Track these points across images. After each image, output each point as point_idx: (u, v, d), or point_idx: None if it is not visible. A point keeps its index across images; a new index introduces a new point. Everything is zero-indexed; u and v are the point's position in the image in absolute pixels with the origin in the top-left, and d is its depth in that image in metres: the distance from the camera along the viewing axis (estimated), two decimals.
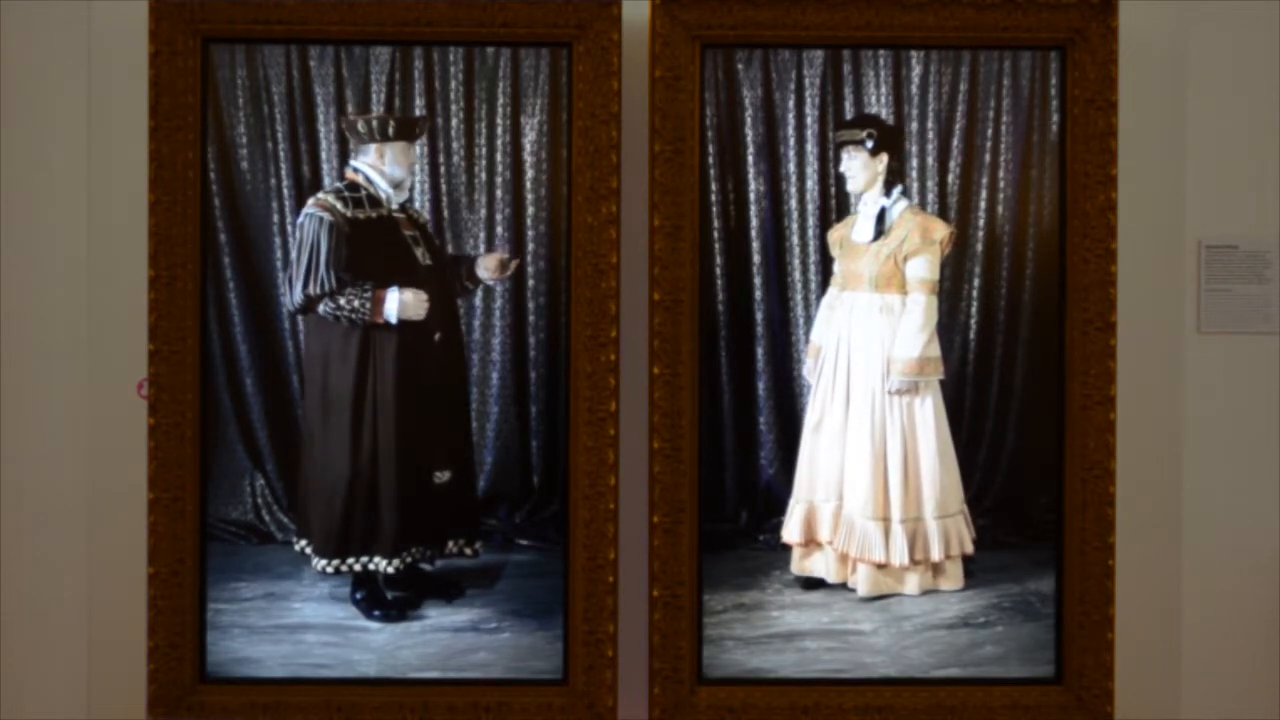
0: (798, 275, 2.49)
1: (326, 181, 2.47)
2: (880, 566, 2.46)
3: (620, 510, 2.43)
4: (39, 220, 2.55)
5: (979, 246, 2.48)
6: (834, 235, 2.48)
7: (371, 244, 2.46)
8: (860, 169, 2.46)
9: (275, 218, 2.47)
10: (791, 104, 2.47)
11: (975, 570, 2.48)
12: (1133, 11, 2.48)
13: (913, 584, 2.47)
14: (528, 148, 2.47)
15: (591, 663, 2.42)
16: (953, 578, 2.47)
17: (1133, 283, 2.49)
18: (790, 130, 2.48)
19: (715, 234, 2.47)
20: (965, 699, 2.43)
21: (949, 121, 2.48)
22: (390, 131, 2.44)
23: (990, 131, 2.48)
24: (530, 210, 2.47)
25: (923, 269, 2.45)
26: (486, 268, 2.45)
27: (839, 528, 2.47)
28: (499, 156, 2.48)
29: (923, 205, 2.48)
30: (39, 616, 2.55)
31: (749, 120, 2.48)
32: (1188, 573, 2.58)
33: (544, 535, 2.47)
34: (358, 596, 2.47)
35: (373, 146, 2.45)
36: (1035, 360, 2.47)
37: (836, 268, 2.48)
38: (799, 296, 2.49)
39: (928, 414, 2.46)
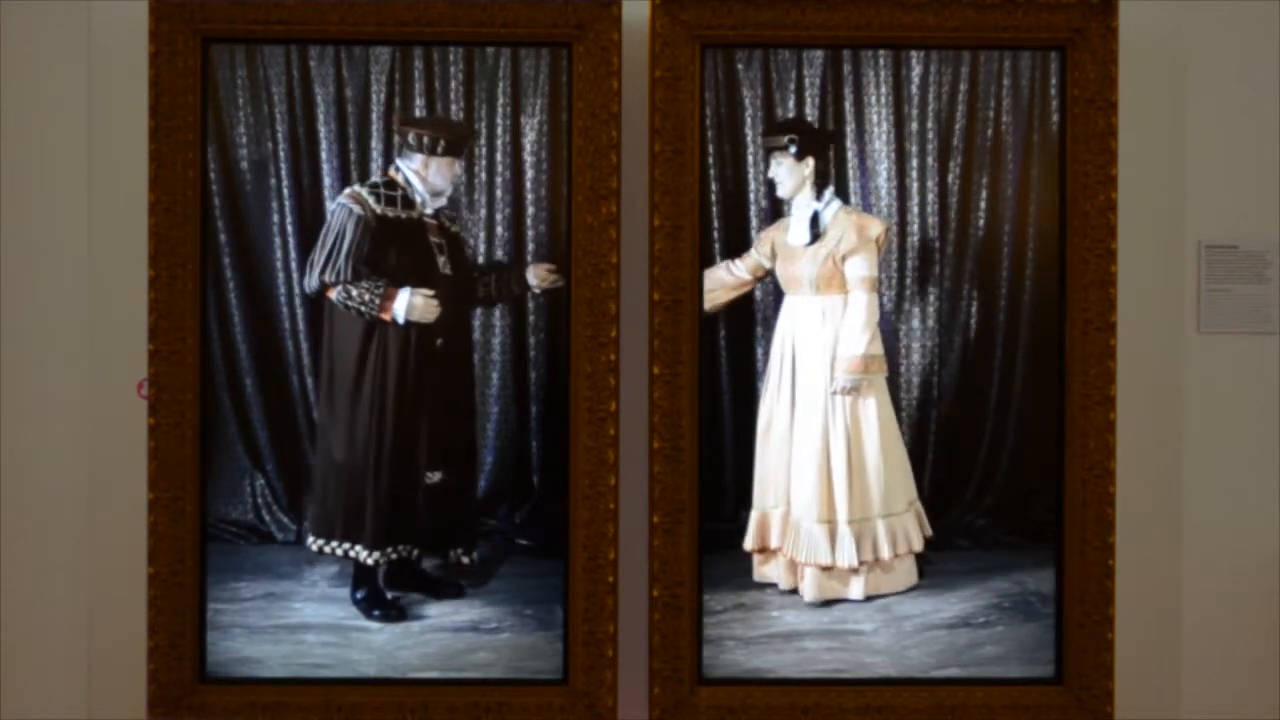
0: None
1: (327, 181, 2.47)
2: (826, 569, 2.46)
3: (620, 510, 2.43)
4: (39, 220, 2.55)
5: (979, 246, 2.48)
6: (765, 236, 2.47)
7: (395, 243, 2.47)
8: (787, 174, 2.46)
9: (275, 218, 2.47)
10: (792, 104, 2.48)
11: (931, 569, 2.48)
12: (1133, 11, 2.48)
13: (857, 588, 2.46)
14: (528, 148, 2.47)
15: (591, 663, 2.42)
16: (902, 577, 2.47)
17: (1133, 283, 2.49)
18: None
19: (715, 234, 2.47)
20: (965, 699, 2.43)
21: (949, 121, 2.48)
22: (439, 149, 2.45)
23: (990, 131, 2.48)
24: (530, 210, 2.47)
25: (862, 267, 2.45)
26: (537, 276, 2.45)
27: (787, 533, 2.47)
28: (499, 156, 2.48)
29: (923, 205, 2.48)
30: (39, 616, 2.55)
31: (749, 120, 2.48)
32: (1188, 573, 2.58)
33: (544, 535, 2.47)
34: (357, 596, 2.47)
35: (419, 156, 2.45)
36: (1035, 360, 2.47)
37: (777, 271, 2.47)
38: None
39: (871, 413, 2.46)
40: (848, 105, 2.47)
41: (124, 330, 2.50)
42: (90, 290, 2.54)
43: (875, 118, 2.48)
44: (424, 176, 2.46)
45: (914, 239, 2.48)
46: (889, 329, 2.48)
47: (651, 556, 2.43)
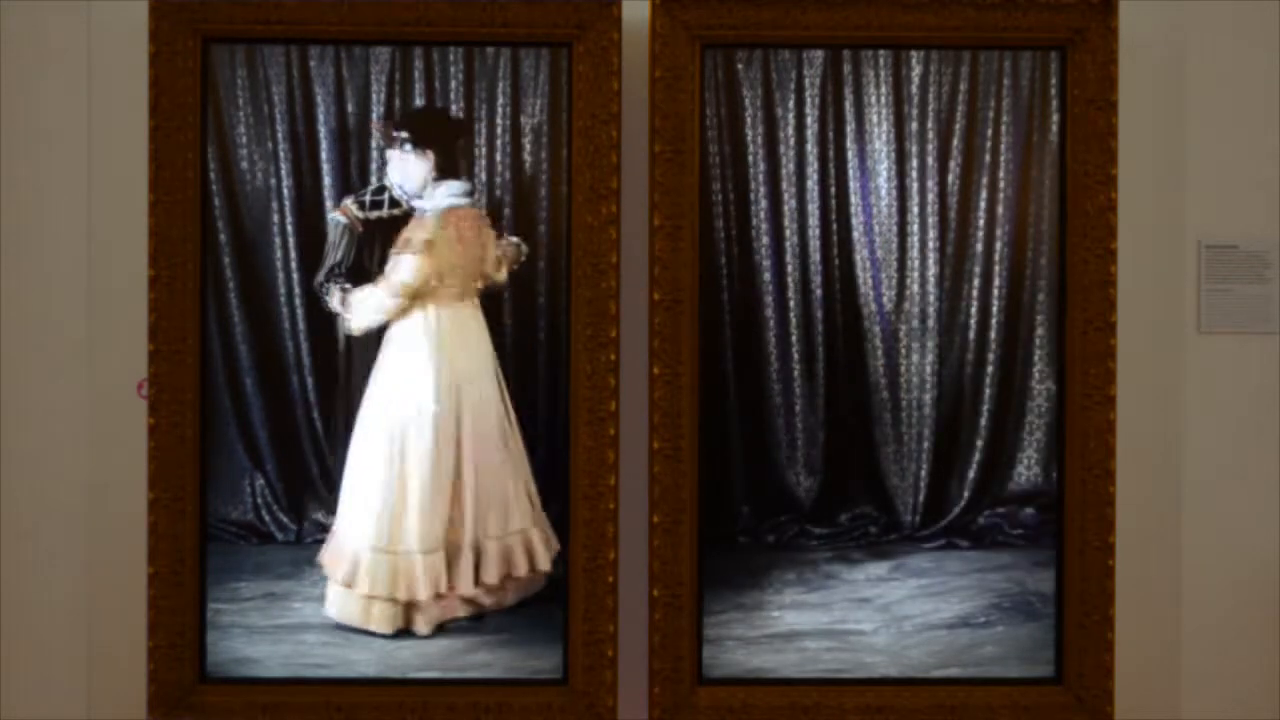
0: (798, 275, 2.49)
1: (326, 181, 2.47)
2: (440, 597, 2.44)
3: (620, 510, 2.43)
4: (39, 220, 2.55)
5: (979, 246, 2.48)
6: (402, 237, 2.46)
7: (377, 243, 2.47)
8: (411, 170, 2.45)
9: (275, 218, 2.47)
10: (791, 104, 2.48)
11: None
12: (1133, 11, 2.48)
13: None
14: (528, 148, 2.47)
15: (591, 663, 2.42)
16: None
17: (1133, 283, 2.49)
18: (790, 130, 2.48)
19: (716, 234, 2.47)
20: (965, 699, 2.43)
21: (949, 121, 2.48)
22: (400, 145, 2.45)
23: (990, 131, 2.48)
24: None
25: (401, 270, 2.43)
26: None
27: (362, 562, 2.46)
28: (499, 157, 2.48)
29: (923, 205, 2.48)
30: (39, 616, 2.55)
31: (749, 120, 2.48)
32: (1188, 572, 2.58)
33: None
34: None
35: (389, 152, 2.46)
36: (1034, 360, 2.47)
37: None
38: (799, 296, 2.49)
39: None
40: (848, 105, 2.47)
41: (124, 330, 2.50)
42: (90, 290, 2.54)
43: (875, 118, 2.48)
44: (391, 175, 2.47)
45: (914, 239, 2.48)
46: (889, 329, 2.49)
47: (651, 556, 2.43)
